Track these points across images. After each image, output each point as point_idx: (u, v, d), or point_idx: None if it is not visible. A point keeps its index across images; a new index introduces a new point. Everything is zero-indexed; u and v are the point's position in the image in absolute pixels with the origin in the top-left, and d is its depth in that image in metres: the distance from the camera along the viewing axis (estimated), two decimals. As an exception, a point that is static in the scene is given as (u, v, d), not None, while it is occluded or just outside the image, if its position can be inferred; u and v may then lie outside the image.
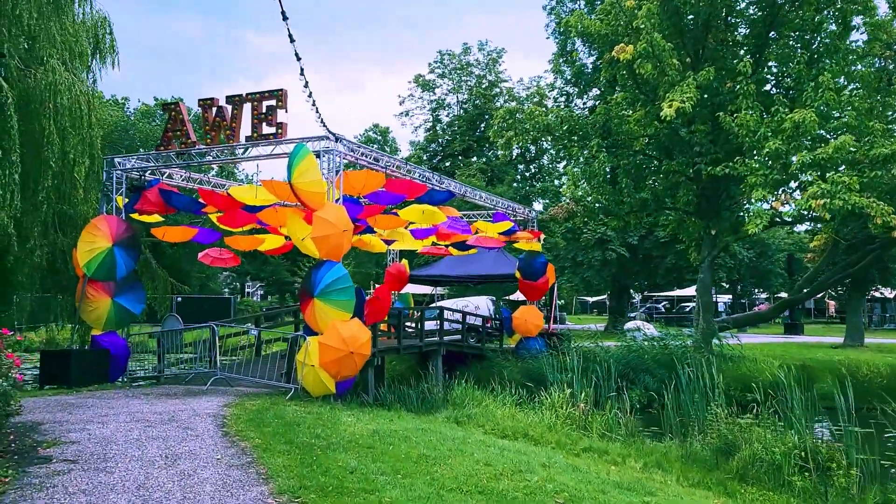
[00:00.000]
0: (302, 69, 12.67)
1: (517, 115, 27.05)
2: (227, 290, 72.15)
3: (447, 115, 56.33)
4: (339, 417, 11.24)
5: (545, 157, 54.01)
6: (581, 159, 27.23)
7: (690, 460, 11.34)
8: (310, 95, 12.64)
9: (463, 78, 55.80)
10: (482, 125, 54.45)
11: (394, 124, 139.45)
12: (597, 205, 26.08)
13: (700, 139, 22.98)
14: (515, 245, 24.14)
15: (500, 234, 22.20)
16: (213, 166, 49.27)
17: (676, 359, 20.30)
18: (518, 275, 24.17)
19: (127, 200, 16.31)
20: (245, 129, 14.98)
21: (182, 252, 48.71)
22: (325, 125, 12.80)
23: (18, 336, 9.19)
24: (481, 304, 28.83)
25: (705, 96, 22.84)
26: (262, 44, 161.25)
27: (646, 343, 21.68)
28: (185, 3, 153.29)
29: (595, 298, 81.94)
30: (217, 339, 14.65)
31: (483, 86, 55.27)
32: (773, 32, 23.63)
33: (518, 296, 42.82)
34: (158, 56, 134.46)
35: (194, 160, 15.62)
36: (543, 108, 28.45)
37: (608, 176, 26.25)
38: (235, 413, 10.98)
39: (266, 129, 14.80)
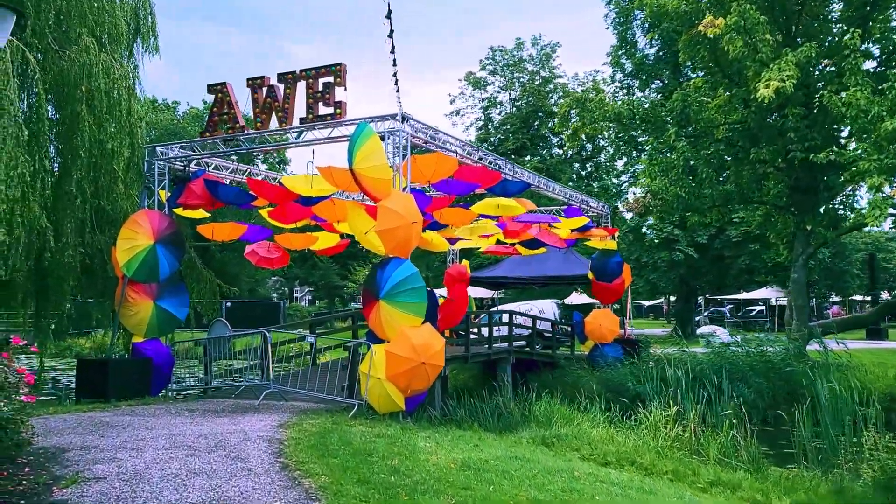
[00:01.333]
0: (393, 46, 11.20)
1: (585, 104, 25.04)
2: (275, 294, 71.27)
3: (499, 114, 54.30)
4: (416, 442, 9.42)
5: (602, 155, 51.64)
6: (654, 150, 25.05)
7: (848, 499, 9.18)
8: (394, 73, 11.10)
9: (515, 74, 53.72)
10: (536, 123, 52.37)
11: (443, 124, 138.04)
12: (675, 199, 23.78)
13: (795, 124, 20.59)
14: (587, 243, 22.04)
15: (573, 230, 20.14)
16: (261, 162, 48.09)
17: (774, 367, 18.15)
18: (591, 276, 22.07)
19: (170, 194, 14.81)
20: (299, 110, 13.33)
21: (230, 255, 47.71)
22: (399, 97, 11.14)
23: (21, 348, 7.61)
24: (546, 308, 26.85)
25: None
26: (300, 52, 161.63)
27: (739, 349, 19.36)
28: (219, 12, 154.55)
29: (651, 302, 78.70)
30: (269, 346, 12.98)
31: (536, 82, 53.12)
32: (874, 7, 21.09)
33: (573, 299, 40.51)
34: (193, 64, 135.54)
35: (243, 147, 13.99)
36: (611, 97, 26.42)
37: (687, 167, 23.97)
38: (293, 436, 9.24)
39: (323, 110, 13.10)
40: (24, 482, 6.61)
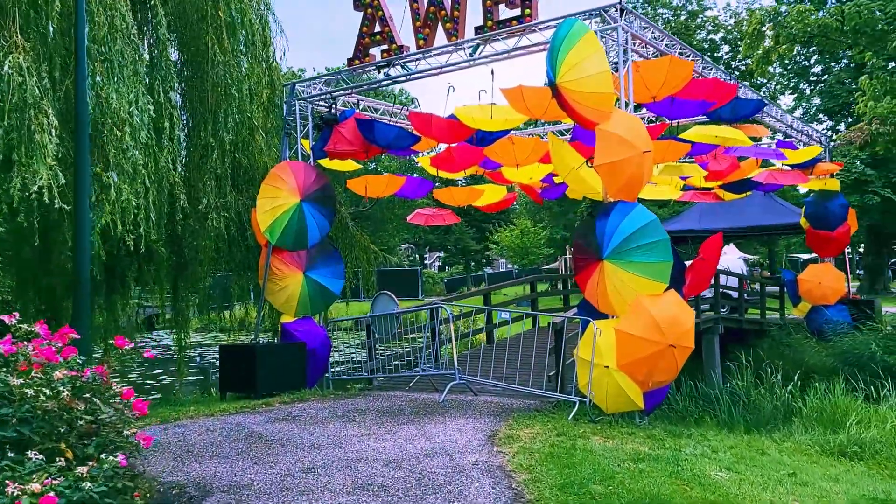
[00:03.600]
0: None
1: (778, 18, 20.56)
2: (406, 262, 69.65)
3: (640, 58, 49.24)
4: (704, 471, 6.28)
5: (771, 85, 45.44)
6: (876, 67, 20.23)
7: None
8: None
9: (658, 11, 48.38)
10: (682, 63, 47.00)
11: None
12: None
13: None
14: (800, 185, 17.85)
15: (792, 166, 16.03)
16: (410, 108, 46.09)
17: None
18: (804, 223, 17.94)
19: (314, 143, 12.23)
20: (473, 18, 10.26)
21: (361, 223, 45.84)
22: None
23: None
24: (732, 264, 22.98)
25: None
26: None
27: None
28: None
29: (809, 256, 71.09)
30: (450, 325, 10.18)
31: (682, 17, 47.69)
32: None
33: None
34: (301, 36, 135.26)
35: (402, 73, 11.08)
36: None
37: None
38: (522, 463, 6.32)
39: (505, 13, 9.97)
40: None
